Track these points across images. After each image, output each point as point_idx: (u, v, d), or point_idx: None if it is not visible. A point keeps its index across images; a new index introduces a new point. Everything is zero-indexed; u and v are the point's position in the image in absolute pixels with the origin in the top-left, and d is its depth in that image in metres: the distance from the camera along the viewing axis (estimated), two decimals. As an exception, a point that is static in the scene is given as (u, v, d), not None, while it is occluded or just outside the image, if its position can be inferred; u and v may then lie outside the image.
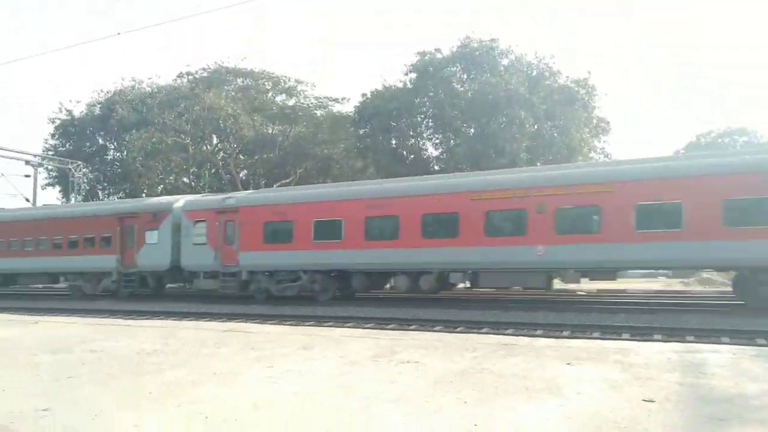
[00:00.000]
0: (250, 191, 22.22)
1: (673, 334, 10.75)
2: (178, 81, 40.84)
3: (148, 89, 40.92)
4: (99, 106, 41.66)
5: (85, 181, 40.41)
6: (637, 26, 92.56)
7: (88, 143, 42.24)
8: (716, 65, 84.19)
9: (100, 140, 42.66)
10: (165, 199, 22.59)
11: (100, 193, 42.75)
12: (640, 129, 75.42)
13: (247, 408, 5.07)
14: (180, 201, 21.29)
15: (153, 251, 20.69)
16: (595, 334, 10.92)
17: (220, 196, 21.13)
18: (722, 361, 6.37)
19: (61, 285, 26.05)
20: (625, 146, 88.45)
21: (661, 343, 8.47)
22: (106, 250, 21.69)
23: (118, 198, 40.69)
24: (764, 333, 10.39)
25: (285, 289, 18.57)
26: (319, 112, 39.46)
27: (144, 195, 36.78)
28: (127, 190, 40.27)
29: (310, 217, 17.77)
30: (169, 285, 23.26)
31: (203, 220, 19.64)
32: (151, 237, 20.83)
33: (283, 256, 18.08)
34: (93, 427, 4.62)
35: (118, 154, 42.36)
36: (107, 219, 22.02)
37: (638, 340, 9.42)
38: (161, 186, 39.27)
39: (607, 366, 6.31)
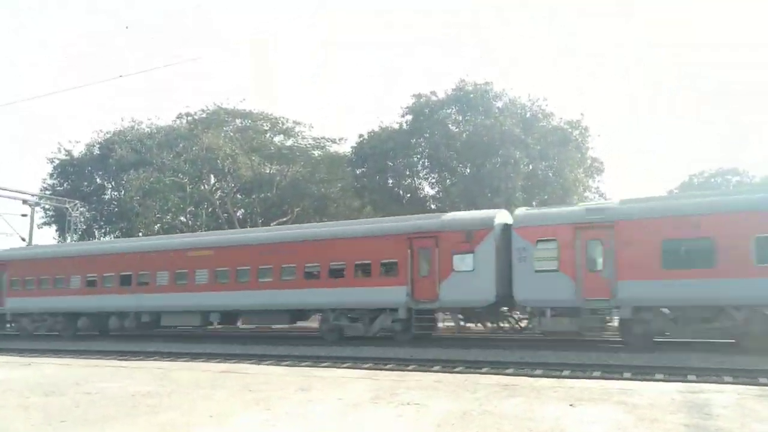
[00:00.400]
0: (634, 198, 16.16)
1: (674, 372, 10.68)
2: (177, 122, 41.40)
3: (147, 130, 41.41)
4: (98, 146, 42.02)
5: (82, 220, 40.37)
6: (632, 59, 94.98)
7: (86, 182, 42.39)
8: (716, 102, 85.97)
9: (98, 180, 42.84)
10: (482, 213, 17.90)
11: (96, 232, 42.63)
12: (633, 168, 76.31)
13: (245, 451, 4.96)
14: (502, 214, 17.28)
15: (466, 281, 16.03)
16: (596, 374, 10.82)
17: (578, 207, 16.83)
18: (727, 402, 6.30)
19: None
20: (619, 185, 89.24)
21: (663, 383, 8.38)
22: (390, 280, 17.17)
23: (114, 237, 40.59)
24: (765, 372, 10.31)
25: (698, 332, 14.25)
26: (316, 153, 39.93)
27: (140, 234, 36.74)
28: (124, 229, 40.22)
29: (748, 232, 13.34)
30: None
31: (552, 239, 15.27)
32: (463, 262, 16.19)
33: (693, 286, 13.60)
34: (86, 472, 4.50)
35: (115, 194, 42.47)
36: (391, 240, 17.38)
37: (640, 380, 9.32)
38: (158, 225, 39.27)
39: (610, 407, 6.22)
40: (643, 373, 10.86)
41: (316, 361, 13.76)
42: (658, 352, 13.58)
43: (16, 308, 24.17)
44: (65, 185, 42.62)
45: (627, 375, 10.63)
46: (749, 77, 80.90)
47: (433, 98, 32.88)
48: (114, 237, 40.74)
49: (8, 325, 25.42)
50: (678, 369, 11.02)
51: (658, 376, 10.42)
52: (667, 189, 53.35)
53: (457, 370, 11.66)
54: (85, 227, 41.31)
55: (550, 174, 30.96)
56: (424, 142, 32.80)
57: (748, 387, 7.51)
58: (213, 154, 36.40)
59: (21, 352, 16.76)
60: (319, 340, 18.30)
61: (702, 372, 10.64)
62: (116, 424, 6.10)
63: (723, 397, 6.59)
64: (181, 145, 37.82)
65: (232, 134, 39.71)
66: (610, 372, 11.01)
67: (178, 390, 8.21)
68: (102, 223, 42.96)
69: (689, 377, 10.14)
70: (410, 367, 12.38)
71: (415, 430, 5.50)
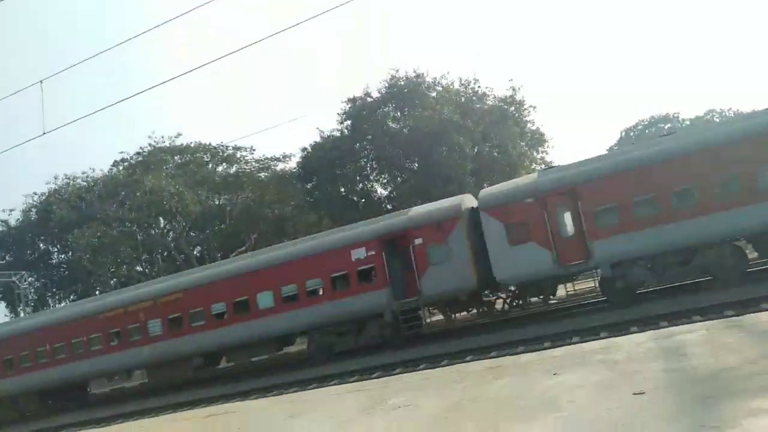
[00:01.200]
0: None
1: (648, 322, 11.01)
2: (114, 170, 40.05)
3: (84, 183, 39.92)
4: (35, 210, 40.23)
5: (32, 290, 38.57)
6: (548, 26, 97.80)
7: (29, 250, 40.49)
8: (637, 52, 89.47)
9: (42, 245, 40.99)
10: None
11: (50, 300, 40.79)
12: (572, 132, 78.68)
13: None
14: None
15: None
16: (575, 339, 11.06)
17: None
18: (698, 340, 6.54)
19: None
20: (565, 151, 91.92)
21: (639, 334, 8.63)
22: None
23: (69, 301, 38.92)
24: (731, 305, 10.78)
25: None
26: (262, 175, 39.37)
27: (97, 293, 35.39)
28: (79, 291, 38.64)
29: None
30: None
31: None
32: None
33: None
34: None
35: (63, 256, 40.75)
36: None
37: (617, 336, 9.57)
38: (114, 279, 37.91)
39: (592, 368, 6.36)
40: (618, 329, 11.16)
41: (303, 385, 13.55)
42: (646, 303, 13.88)
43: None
44: (7, 257, 40.61)
45: (604, 334, 10.90)
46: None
47: (368, 99, 32.98)
48: (69, 301, 39.07)
49: None
50: (650, 318, 11.38)
51: (633, 328, 10.74)
52: (606, 147, 55.31)
53: (442, 364, 11.69)
54: (36, 297, 39.49)
55: (495, 153, 31.55)
56: (368, 144, 32.86)
57: (713, 322, 7.83)
58: (157, 196, 35.36)
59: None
60: (304, 362, 18.00)
61: (672, 316, 11.02)
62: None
63: (694, 336, 6.85)
64: (122, 193, 36.58)
65: (173, 172, 38.74)
66: (588, 334, 11.27)
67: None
68: (54, 290, 41.16)
69: (661, 324, 10.48)
70: (397, 371, 12.35)
71: (410, 430, 5.47)
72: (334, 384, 11.94)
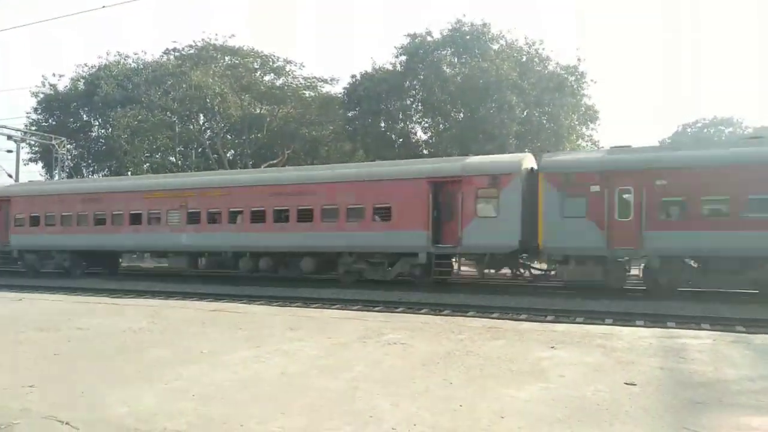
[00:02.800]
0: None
1: (654, 320, 10.98)
2: (165, 58, 40.19)
3: (134, 65, 40.28)
4: (83, 81, 40.91)
5: (69, 157, 39.80)
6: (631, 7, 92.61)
7: (72, 119, 41.55)
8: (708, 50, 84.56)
9: (85, 116, 41.98)
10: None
11: (84, 170, 42.17)
12: (627, 116, 75.87)
13: (235, 387, 5.09)
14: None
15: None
16: (579, 319, 11.11)
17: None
18: (702, 347, 6.51)
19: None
20: (613, 134, 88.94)
21: (643, 328, 8.62)
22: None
23: (102, 176, 40.19)
24: (742, 320, 10.64)
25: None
26: (307, 93, 39.12)
27: (129, 173, 36.43)
28: (112, 168, 39.80)
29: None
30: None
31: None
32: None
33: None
34: (80, 404, 4.62)
35: (102, 131, 41.75)
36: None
37: (621, 325, 9.58)
38: (147, 164, 38.84)
39: (590, 350, 6.42)
40: (624, 319, 11.18)
41: (306, 302, 14.01)
42: (643, 301, 13.92)
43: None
44: (50, 121, 41.78)
45: (608, 321, 10.94)
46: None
47: (429, 38, 32.00)
48: (102, 175, 40.34)
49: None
50: (659, 316, 11.35)
51: (639, 322, 10.73)
52: (659, 138, 53.33)
53: (444, 312, 11.92)
54: (72, 165, 40.79)
55: (544, 121, 30.68)
56: (418, 84, 32.20)
57: (723, 333, 7.76)
58: (202, 92, 35.57)
59: (11, 288, 16.89)
60: (309, 282, 18.58)
61: (681, 319, 10.96)
62: (107, 360, 6.22)
63: (698, 342, 6.82)
64: (169, 82, 36.85)
65: (221, 72, 38.75)
66: (593, 318, 11.32)
67: (170, 328, 8.36)
68: (90, 161, 42.45)
69: (669, 324, 10.45)
70: (399, 310, 12.66)
71: (400, 368, 5.66)
72: (337, 308, 12.31)
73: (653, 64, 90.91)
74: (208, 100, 36.04)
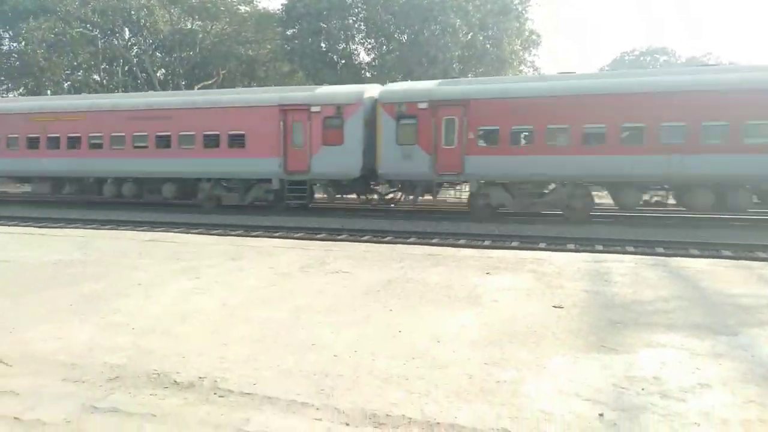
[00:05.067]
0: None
1: (585, 243, 11.59)
2: (81, -37, 36.26)
3: (46, -30, 36.16)
4: (-13, -13, 36.53)
5: (-23, 73, 36.23)
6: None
7: (-22, 30, 37.42)
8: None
9: (-7, 28, 37.87)
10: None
11: (-5, 88, 38.66)
12: (567, 43, 76.32)
13: (174, 319, 5.06)
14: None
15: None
16: (514, 244, 11.58)
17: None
18: (624, 270, 6.99)
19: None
20: (552, 60, 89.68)
21: (572, 253, 9.12)
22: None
23: (18, 94, 37.01)
24: (662, 243, 11.42)
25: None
26: (243, 8, 36.75)
27: (48, 93, 33.72)
28: (29, 86, 36.63)
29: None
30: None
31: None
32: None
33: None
34: (9, 340, 4.46)
35: (15, 45, 37.94)
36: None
37: (552, 250, 10.08)
38: (68, 83, 35.98)
39: (522, 275, 6.76)
40: (556, 243, 11.74)
41: (247, 230, 13.85)
42: (588, 225, 14.60)
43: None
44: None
45: (542, 245, 11.46)
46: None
47: (372, -47, 30.38)
48: (18, 94, 37.14)
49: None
50: (589, 240, 11.98)
51: (570, 246, 11.31)
52: (598, 66, 54.23)
53: (386, 240, 12.11)
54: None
55: (488, 45, 30.39)
56: (361, 2, 30.85)
57: (644, 257, 8.33)
58: (126, 3, 32.69)
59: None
60: (255, 209, 18.32)
61: (609, 243, 11.64)
62: (36, 294, 5.99)
63: (622, 266, 7.30)
64: (87, -9, 33.55)
65: (146, -19, 35.56)
66: (528, 242, 11.83)
67: (103, 259, 8.10)
68: (2, 78, 38.83)
69: (597, 247, 11.08)
70: (341, 237, 12.74)
71: (342, 297, 5.78)
72: (279, 236, 12.27)
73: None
74: (132, 13, 33.24)
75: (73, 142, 19.58)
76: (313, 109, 16.70)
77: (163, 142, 18.45)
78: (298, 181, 17.32)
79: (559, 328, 4.70)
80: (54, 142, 19.75)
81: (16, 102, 23.05)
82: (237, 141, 17.61)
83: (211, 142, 17.95)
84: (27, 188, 22.99)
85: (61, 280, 6.69)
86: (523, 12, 31.10)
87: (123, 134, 18.92)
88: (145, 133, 18.67)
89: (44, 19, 32.32)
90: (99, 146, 19.30)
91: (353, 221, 15.30)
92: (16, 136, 20.15)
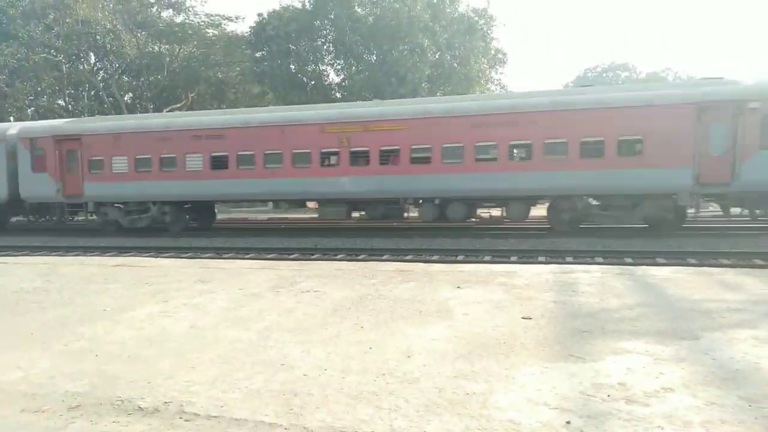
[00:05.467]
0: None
1: (555, 255, 11.79)
2: (45, -12, 35.82)
3: (8, -5, 35.61)
4: (-54, 13, 35.76)
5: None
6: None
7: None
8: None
9: (-48, 54, 36.99)
10: None
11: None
12: (533, 60, 78.22)
13: (141, 344, 4.95)
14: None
15: None
16: (486, 258, 11.70)
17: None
18: (592, 280, 7.12)
19: None
20: (519, 77, 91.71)
21: (542, 265, 9.24)
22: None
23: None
24: (631, 253, 11.69)
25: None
26: (210, 32, 36.74)
27: (11, 119, 32.96)
28: (-9, 113, 35.73)
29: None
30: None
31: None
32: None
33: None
34: (-35, 374, 4.30)
35: (-25, 71, 37.10)
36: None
37: (523, 263, 10.22)
38: (32, 108, 35.27)
39: (493, 288, 6.82)
40: (527, 256, 11.91)
41: (218, 252, 13.69)
42: (536, 239, 14.84)
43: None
44: None
45: (513, 258, 11.61)
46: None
47: (339, -24, 30.82)
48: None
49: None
50: (558, 252, 12.19)
51: (541, 258, 11.48)
52: (562, 83, 55.67)
53: (360, 258, 12.10)
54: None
55: (456, 64, 30.96)
56: (329, 24, 31.19)
57: (610, 267, 8.50)
58: (91, 28, 32.35)
59: None
60: (221, 231, 18.14)
61: (578, 254, 11.85)
62: (-3, 324, 5.79)
63: (589, 276, 7.44)
64: (51, 16, 33.11)
65: (112, 6, 35.30)
66: (499, 256, 11.96)
67: (68, 286, 7.89)
68: (-37, 105, 37.83)
69: (567, 259, 11.27)
70: (314, 257, 12.69)
71: (312, 316, 5.74)
72: (250, 258, 12.15)
73: (562, 11, 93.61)
74: (98, 38, 32.91)
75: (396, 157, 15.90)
76: None
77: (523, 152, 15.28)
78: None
79: (527, 338, 4.75)
80: (363, 157, 16.19)
81: (318, 110, 17.59)
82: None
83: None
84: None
85: (23, 308, 6.49)
86: (489, 32, 31.84)
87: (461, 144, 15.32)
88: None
89: (6, 45, 31.76)
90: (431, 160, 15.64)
91: (327, 240, 15.27)
92: (307, 151, 16.64)
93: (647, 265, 9.44)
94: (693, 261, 10.75)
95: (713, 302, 5.84)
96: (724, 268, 8.61)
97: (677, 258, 11.14)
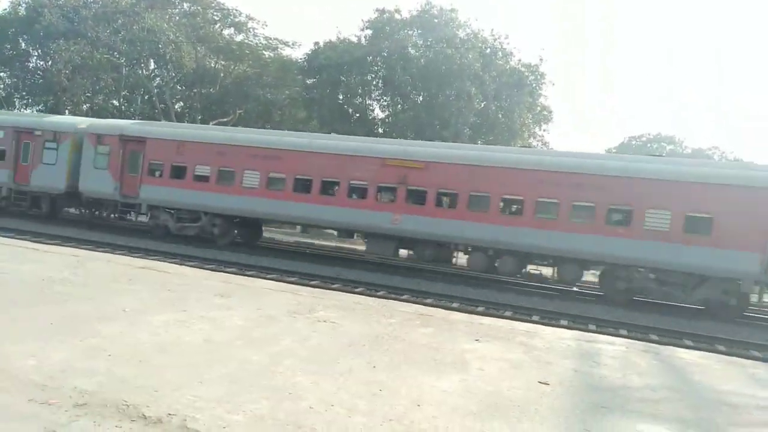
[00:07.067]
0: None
1: (577, 321, 11.48)
2: (118, -6, 37.75)
3: (83, -2, 37.61)
4: (24, 5, 37.91)
5: (1, 86, 37.06)
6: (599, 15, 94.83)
7: (8, 45, 38.51)
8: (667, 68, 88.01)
9: (23, 44, 38.99)
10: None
11: (17, 102, 39.39)
12: (579, 121, 78.25)
13: (154, 349, 4.96)
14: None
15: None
16: (507, 313, 11.47)
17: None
18: (615, 353, 6.87)
19: None
20: (563, 137, 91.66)
21: (564, 329, 9.00)
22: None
23: (37, 110, 37.72)
24: (657, 330, 11.31)
25: None
26: (267, 54, 37.91)
27: (67, 112, 34.37)
28: (49, 104, 37.37)
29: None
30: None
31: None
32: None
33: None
34: (-18, 355, 4.36)
35: (41, 63, 38.99)
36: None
37: (545, 324, 9.96)
38: (87, 105, 36.71)
39: (512, 346, 6.65)
40: (550, 317, 11.63)
41: (241, 268, 13.78)
42: (562, 301, 14.44)
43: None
44: (-17, 46, 38.56)
45: (535, 318, 11.35)
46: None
47: (397, 16, 31.67)
48: (36, 111, 37.86)
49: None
50: (582, 318, 11.87)
51: (563, 322, 11.19)
52: (605, 148, 55.37)
53: (378, 294, 12.01)
54: (4, 95, 38.06)
55: (500, 115, 31.14)
56: (380, 61, 31.86)
57: (636, 342, 8.21)
58: (155, 37, 33.78)
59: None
60: (243, 247, 18.33)
61: (602, 323, 11.52)
62: (21, 310, 5.90)
63: (612, 348, 7.19)
64: (120, 21, 34.74)
65: (177, 18, 36.88)
66: (521, 313, 11.71)
67: (93, 281, 8.02)
68: (24, 93, 39.67)
69: (590, 326, 10.96)
70: (335, 286, 12.65)
71: (326, 347, 5.67)
72: (271, 279, 12.18)
73: (612, 75, 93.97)
74: (160, 46, 34.29)
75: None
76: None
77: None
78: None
79: (542, 405, 4.58)
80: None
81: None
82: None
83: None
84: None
85: (47, 297, 6.61)
86: (537, 88, 32.02)
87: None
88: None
89: (73, 42, 33.34)
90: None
91: (348, 272, 15.23)
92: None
93: (674, 345, 9.08)
94: (722, 348, 10.31)
95: (742, 396, 5.55)
96: (757, 362, 8.23)
97: (705, 342, 10.72)
